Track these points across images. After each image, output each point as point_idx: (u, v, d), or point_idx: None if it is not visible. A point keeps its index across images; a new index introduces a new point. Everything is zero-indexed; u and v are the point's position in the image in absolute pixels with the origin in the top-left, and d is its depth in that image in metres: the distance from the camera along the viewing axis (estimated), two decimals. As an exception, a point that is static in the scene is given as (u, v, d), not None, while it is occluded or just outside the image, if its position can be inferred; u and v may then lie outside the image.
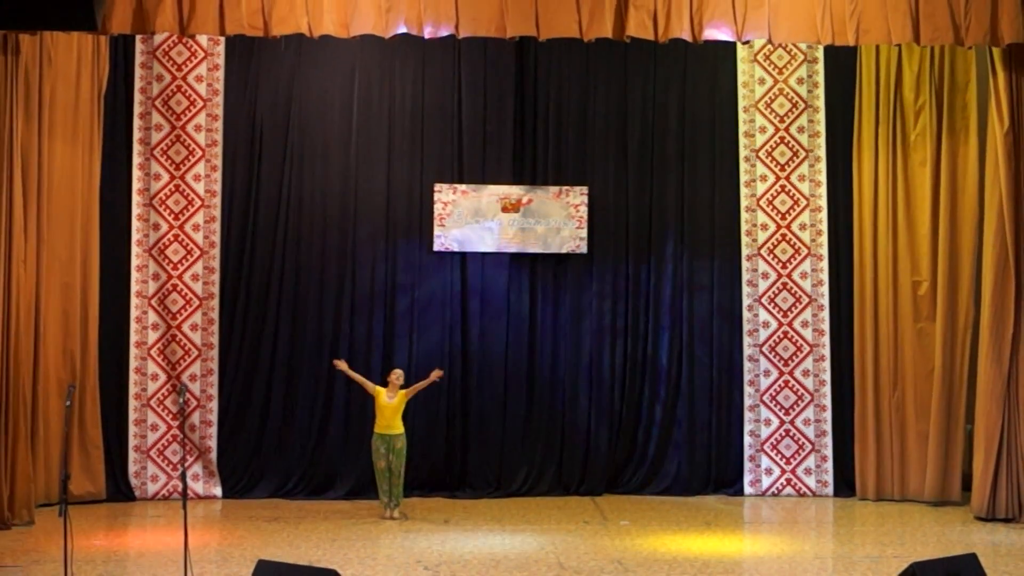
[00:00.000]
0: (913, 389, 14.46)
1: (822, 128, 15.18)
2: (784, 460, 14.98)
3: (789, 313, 15.05)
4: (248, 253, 14.84)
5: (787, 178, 15.16)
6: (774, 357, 15.05)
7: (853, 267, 14.87)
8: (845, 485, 14.91)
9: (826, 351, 15.04)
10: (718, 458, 15.18)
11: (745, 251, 15.17)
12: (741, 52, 15.19)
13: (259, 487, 14.62)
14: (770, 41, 12.83)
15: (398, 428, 13.42)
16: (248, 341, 14.81)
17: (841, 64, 15.02)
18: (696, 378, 15.22)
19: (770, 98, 15.22)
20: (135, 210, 14.55)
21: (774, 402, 15.03)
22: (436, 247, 14.94)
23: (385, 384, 13.54)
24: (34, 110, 13.14)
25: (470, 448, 14.99)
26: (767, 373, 15.04)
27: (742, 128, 15.26)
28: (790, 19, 12.48)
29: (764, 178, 15.17)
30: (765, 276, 15.11)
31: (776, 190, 15.15)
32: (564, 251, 15.05)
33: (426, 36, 12.44)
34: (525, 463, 15.03)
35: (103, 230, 14.27)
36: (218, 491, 14.53)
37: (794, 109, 15.19)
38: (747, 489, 15.00)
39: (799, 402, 15.01)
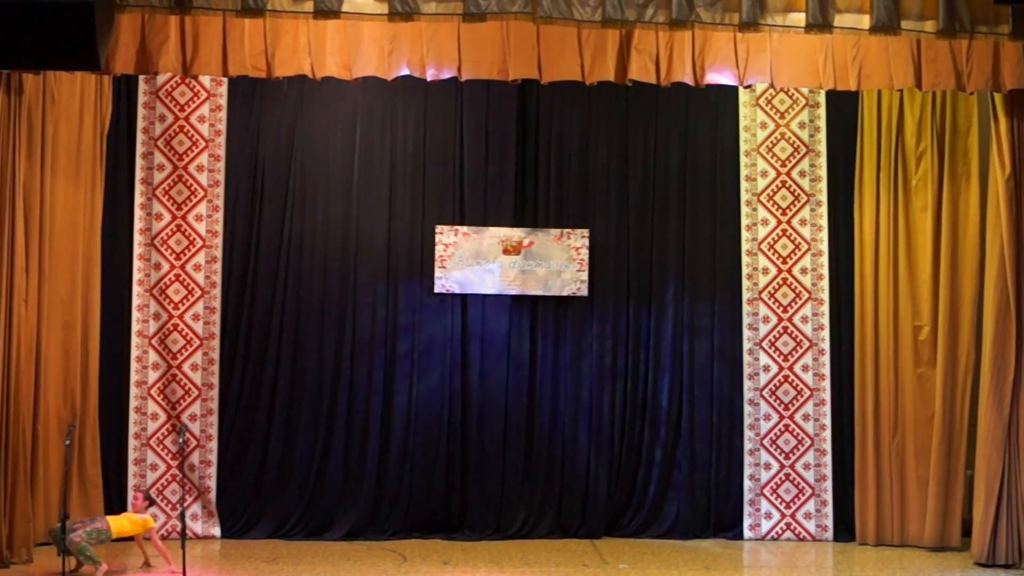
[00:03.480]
0: (913, 434, 14.41)
1: (823, 172, 15.18)
2: (784, 504, 14.93)
3: (790, 357, 15.03)
4: (249, 293, 14.82)
5: (788, 222, 15.16)
6: (774, 401, 15.01)
7: (854, 311, 14.84)
8: (845, 530, 14.82)
9: (827, 395, 14.99)
10: (718, 502, 15.08)
11: (746, 295, 15.15)
12: (743, 96, 15.21)
13: (258, 527, 14.54)
14: (772, 85, 12.88)
15: None
16: (248, 381, 14.76)
17: (843, 109, 15.02)
18: (696, 422, 15.12)
19: (772, 142, 15.24)
20: (136, 249, 14.55)
21: (774, 446, 14.99)
22: (437, 289, 14.92)
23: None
24: (36, 149, 13.13)
25: (469, 490, 14.90)
26: (767, 417, 15.00)
27: (743, 172, 15.26)
28: (792, 64, 12.54)
29: (765, 222, 15.18)
30: (766, 320, 15.10)
31: (777, 234, 15.15)
32: (565, 293, 15.04)
33: (428, 79, 12.50)
34: (524, 505, 14.93)
35: (104, 269, 14.27)
36: (217, 531, 14.47)
37: (796, 153, 15.20)
38: (747, 533, 14.92)
39: (799, 446, 14.97)
